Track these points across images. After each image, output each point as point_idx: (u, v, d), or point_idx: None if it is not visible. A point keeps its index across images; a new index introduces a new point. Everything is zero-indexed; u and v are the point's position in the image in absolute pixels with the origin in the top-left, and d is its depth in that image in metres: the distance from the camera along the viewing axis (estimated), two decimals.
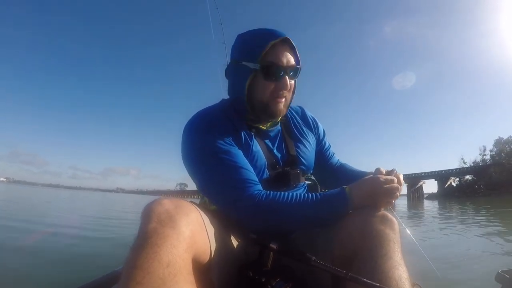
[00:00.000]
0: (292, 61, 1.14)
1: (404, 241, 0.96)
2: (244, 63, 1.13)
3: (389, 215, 1.00)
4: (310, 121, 1.42)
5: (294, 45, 1.15)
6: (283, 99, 1.16)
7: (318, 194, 1.04)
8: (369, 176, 1.06)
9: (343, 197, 1.02)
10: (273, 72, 1.11)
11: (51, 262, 4.29)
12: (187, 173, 1.14)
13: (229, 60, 1.24)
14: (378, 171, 1.10)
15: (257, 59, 1.10)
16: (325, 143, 1.47)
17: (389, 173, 1.08)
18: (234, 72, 1.20)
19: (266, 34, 1.12)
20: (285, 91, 1.14)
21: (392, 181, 1.04)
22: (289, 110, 1.37)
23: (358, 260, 0.90)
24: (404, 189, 1.15)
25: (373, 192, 1.02)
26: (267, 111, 1.16)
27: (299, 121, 1.39)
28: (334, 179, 1.40)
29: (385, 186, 1.02)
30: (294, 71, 1.16)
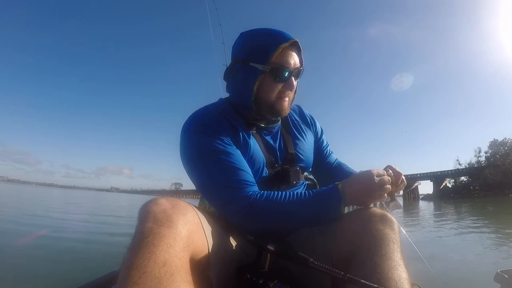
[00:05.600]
0: (298, 63, 1.15)
1: (403, 241, 0.96)
2: (252, 64, 1.12)
3: (389, 215, 1.00)
4: (308, 119, 1.43)
5: (301, 47, 1.17)
6: (287, 99, 1.18)
7: (311, 191, 1.05)
8: (360, 171, 1.08)
9: (336, 193, 1.02)
10: (282, 74, 1.12)
11: (51, 262, 4.27)
12: (181, 173, 1.14)
13: (228, 61, 1.24)
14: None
15: (268, 61, 1.09)
16: (322, 141, 1.48)
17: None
18: (240, 72, 1.17)
19: (276, 36, 1.12)
20: (291, 92, 1.17)
21: (383, 174, 1.04)
22: None
23: (357, 260, 0.89)
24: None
25: (366, 186, 1.02)
26: (272, 111, 1.17)
27: (297, 119, 1.39)
28: (331, 178, 1.39)
29: (377, 179, 1.02)
30: (299, 72, 1.17)
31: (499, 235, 7.97)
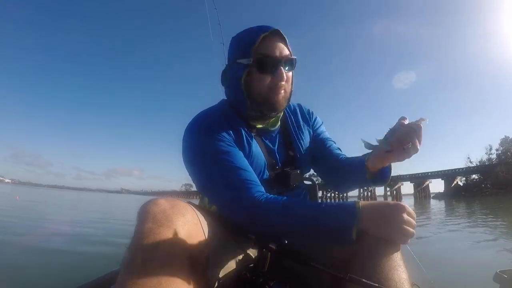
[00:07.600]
0: (285, 52, 1.13)
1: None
2: (238, 61, 1.13)
3: None
4: (306, 114, 1.39)
5: (285, 36, 1.14)
6: (282, 91, 1.15)
7: (324, 202, 0.97)
8: (392, 202, 0.94)
9: (351, 211, 0.90)
10: (267, 64, 1.11)
11: (51, 262, 4.31)
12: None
13: (226, 62, 1.24)
14: (402, 118, 0.98)
15: (250, 53, 1.10)
16: (322, 132, 1.40)
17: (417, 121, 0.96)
18: (230, 72, 1.19)
19: (256, 29, 1.13)
20: (282, 83, 1.13)
21: (413, 215, 0.91)
22: (287, 109, 1.34)
23: (357, 261, 0.89)
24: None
25: (390, 219, 0.89)
26: (267, 105, 1.14)
27: (297, 118, 1.36)
28: (336, 170, 1.29)
29: (405, 216, 0.89)
30: (289, 62, 1.14)
31: (502, 234, 7.87)
